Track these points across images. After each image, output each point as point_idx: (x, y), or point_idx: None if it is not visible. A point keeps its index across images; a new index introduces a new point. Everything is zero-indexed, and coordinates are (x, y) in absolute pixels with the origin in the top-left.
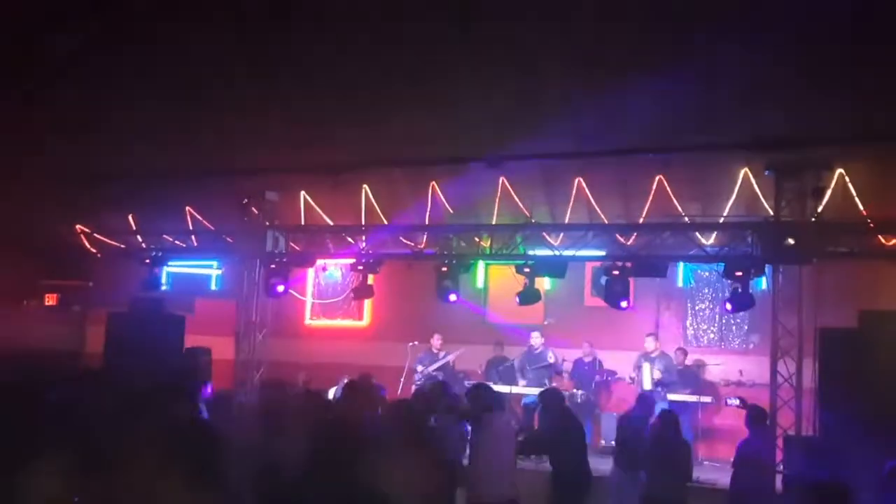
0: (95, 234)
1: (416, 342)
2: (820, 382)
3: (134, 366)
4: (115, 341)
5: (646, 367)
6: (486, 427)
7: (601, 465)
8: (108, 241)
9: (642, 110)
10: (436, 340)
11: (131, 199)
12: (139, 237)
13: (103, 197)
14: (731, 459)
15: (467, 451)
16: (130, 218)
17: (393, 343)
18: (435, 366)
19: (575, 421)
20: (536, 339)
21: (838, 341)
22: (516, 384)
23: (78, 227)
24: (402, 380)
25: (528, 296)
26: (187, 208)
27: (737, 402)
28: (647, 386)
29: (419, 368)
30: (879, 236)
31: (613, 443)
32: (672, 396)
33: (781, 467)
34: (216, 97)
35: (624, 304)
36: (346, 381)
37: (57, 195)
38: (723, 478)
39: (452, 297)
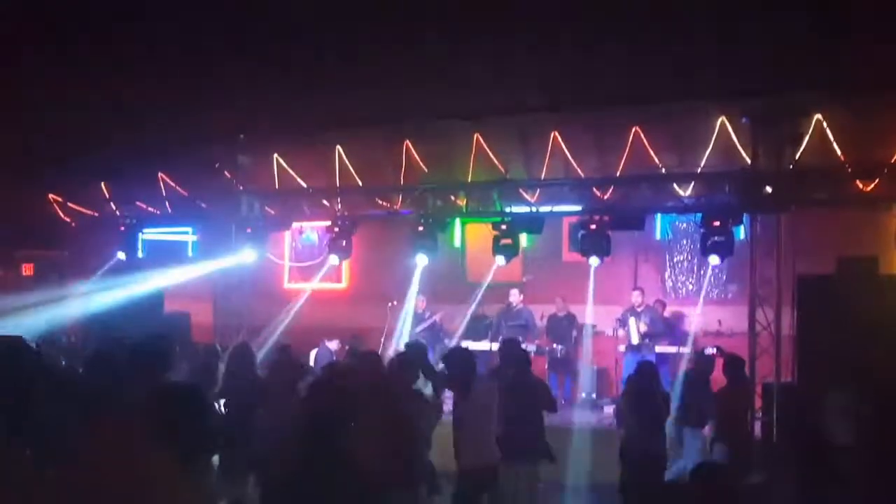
0: (69, 204)
1: (394, 303)
2: (798, 329)
3: (114, 331)
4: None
5: (632, 321)
6: (469, 396)
7: (581, 419)
8: (82, 210)
9: (618, 61)
10: (420, 302)
11: (103, 168)
12: (113, 205)
13: (74, 166)
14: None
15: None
16: (103, 186)
17: (372, 304)
18: (421, 327)
19: (530, 376)
20: (514, 296)
21: (816, 288)
22: (495, 341)
23: (51, 196)
24: (382, 340)
25: (505, 248)
26: (160, 174)
27: (714, 351)
28: (635, 340)
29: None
30: (857, 182)
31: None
32: (662, 349)
33: (760, 414)
34: (184, 61)
35: (594, 260)
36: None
37: (28, 165)
38: None
39: (421, 257)
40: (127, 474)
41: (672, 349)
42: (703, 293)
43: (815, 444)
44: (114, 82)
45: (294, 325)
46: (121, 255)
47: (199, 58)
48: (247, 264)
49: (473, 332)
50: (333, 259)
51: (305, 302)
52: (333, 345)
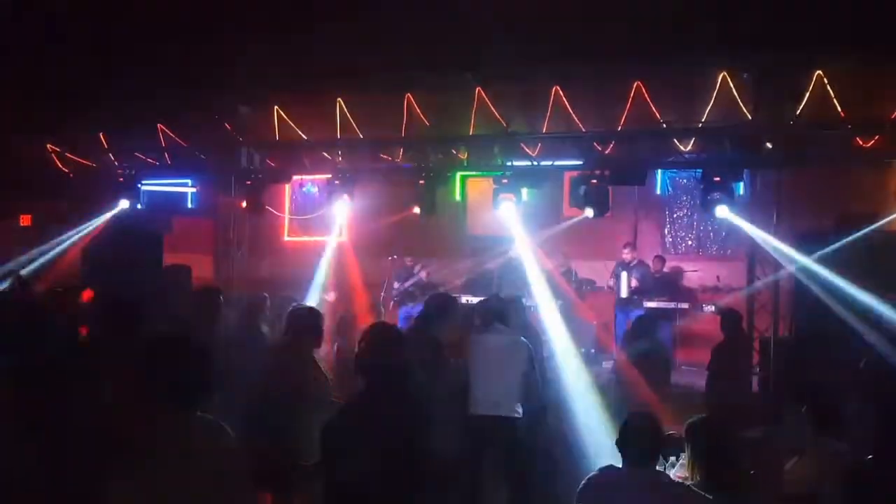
0: (67, 154)
1: (394, 256)
2: (796, 285)
3: (114, 284)
4: (92, 260)
5: (623, 275)
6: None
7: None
8: (81, 161)
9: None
10: (408, 260)
11: (101, 117)
12: (111, 156)
13: (73, 116)
14: (708, 364)
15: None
16: (101, 137)
17: (372, 258)
18: (410, 282)
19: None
20: (515, 251)
21: (815, 244)
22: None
23: (49, 146)
24: (382, 294)
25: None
26: (159, 125)
27: (713, 308)
28: (624, 294)
29: (396, 285)
30: (857, 139)
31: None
32: (650, 304)
33: (757, 369)
34: (183, 9)
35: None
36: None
37: (25, 114)
38: (700, 381)
39: (417, 210)
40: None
41: (670, 304)
42: (700, 250)
43: (813, 398)
44: (112, 31)
45: (293, 279)
46: (123, 204)
47: (201, 7)
48: (246, 217)
49: (475, 286)
50: (334, 212)
51: (304, 255)
52: (331, 297)
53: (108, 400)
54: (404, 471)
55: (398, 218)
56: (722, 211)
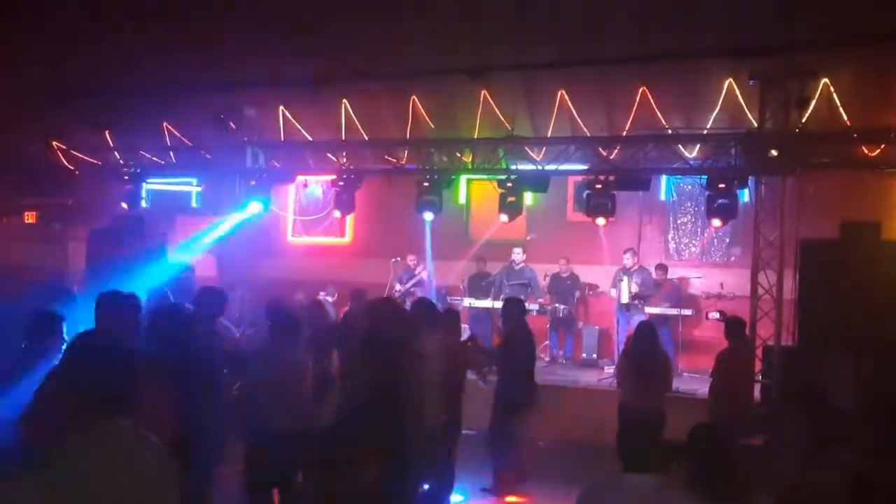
0: (72, 151)
1: (398, 258)
2: (800, 293)
3: (116, 283)
4: (96, 259)
5: (624, 281)
6: None
7: (581, 378)
8: (86, 158)
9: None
10: (410, 260)
11: (107, 115)
12: (117, 154)
13: (78, 113)
14: (711, 370)
15: None
16: (107, 134)
17: (375, 259)
18: (412, 282)
19: (528, 336)
20: (518, 255)
21: (819, 252)
22: (497, 299)
23: (54, 143)
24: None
25: (509, 206)
26: (164, 124)
27: (717, 315)
28: (625, 299)
29: (398, 287)
30: (863, 146)
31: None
32: (652, 309)
33: (760, 377)
34: (192, 8)
35: (602, 221)
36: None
37: (31, 111)
38: (702, 388)
39: (429, 216)
40: None
41: (673, 311)
42: (704, 256)
43: (815, 406)
44: (119, 29)
45: (296, 279)
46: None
47: (207, 6)
48: (250, 217)
49: (475, 290)
50: (337, 213)
51: (308, 256)
52: (332, 297)
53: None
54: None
55: (401, 219)
56: (717, 223)
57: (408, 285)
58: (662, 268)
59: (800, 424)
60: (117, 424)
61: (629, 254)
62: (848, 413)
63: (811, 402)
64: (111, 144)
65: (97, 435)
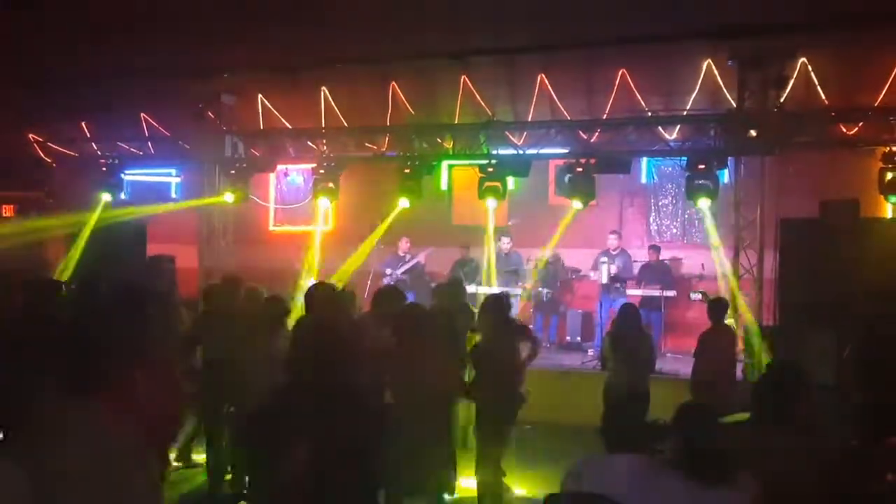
0: (49, 143)
1: (381, 245)
2: (780, 272)
3: (97, 273)
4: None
5: (605, 263)
6: None
7: (565, 360)
8: (63, 150)
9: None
10: (403, 244)
11: (83, 106)
12: (94, 145)
13: (54, 103)
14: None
15: None
16: (84, 125)
17: (358, 247)
18: (403, 269)
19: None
20: (506, 243)
21: (799, 231)
22: (481, 284)
23: (31, 136)
24: (368, 283)
25: (490, 191)
26: (142, 114)
27: (699, 296)
28: (605, 281)
29: (388, 272)
30: (841, 125)
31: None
32: (636, 291)
33: (742, 356)
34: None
35: (579, 204)
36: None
37: (5, 102)
38: (684, 368)
39: (405, 201)
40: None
41: (656, 292)
42: (685, 238)
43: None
44: (95, 18)
45: (280, 269)
46: (106, 197)
47: None
48: (231, 207)
49: (461, 274)
50: (319, 201)
51: (291, 245)
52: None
53: None
54: None
55: (384, 207)
56: (703, 203)
57: (399, 271)
58: (655, 249)
59: (780, 406)
60: (86, 405)
61: (614, 236)
62: (831, 389)
63: (792, 381)
64: (88, 135)
65: (65, 415)
